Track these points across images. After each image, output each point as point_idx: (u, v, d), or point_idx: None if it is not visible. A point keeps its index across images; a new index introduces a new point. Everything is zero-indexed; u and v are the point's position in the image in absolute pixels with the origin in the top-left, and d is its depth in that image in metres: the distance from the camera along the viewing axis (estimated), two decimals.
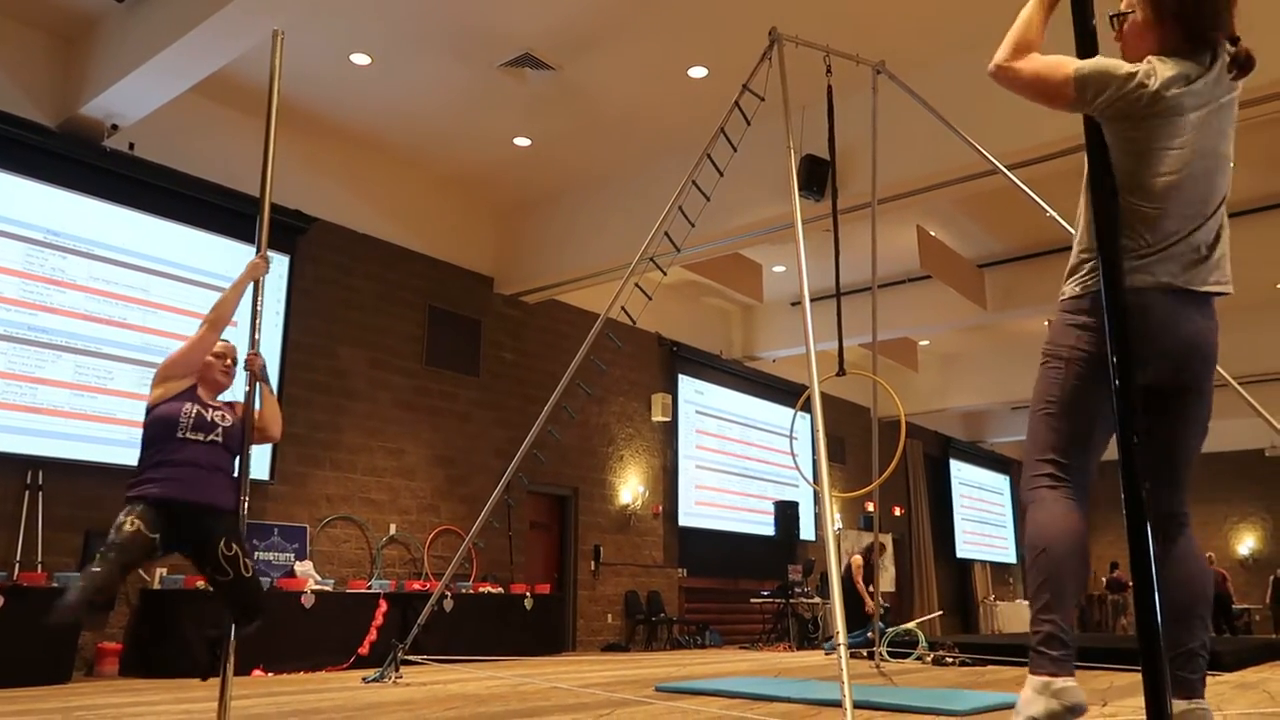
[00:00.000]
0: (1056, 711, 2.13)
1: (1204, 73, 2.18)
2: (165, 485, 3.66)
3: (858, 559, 10.54)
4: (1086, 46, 2.22)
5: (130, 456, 7.15)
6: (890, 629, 8.34)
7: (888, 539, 15.99)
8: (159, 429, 3.76)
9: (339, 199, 9.12)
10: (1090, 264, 2.25)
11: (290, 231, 8.45)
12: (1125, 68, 2.14)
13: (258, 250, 3.94)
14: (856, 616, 9.64)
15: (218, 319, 3.94)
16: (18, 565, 6.50)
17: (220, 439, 3.77)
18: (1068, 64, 2.16)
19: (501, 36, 7.30)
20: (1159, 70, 2.14)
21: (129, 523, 3.48)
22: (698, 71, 7.81)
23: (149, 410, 3.82)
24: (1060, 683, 2.15)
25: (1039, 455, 2.34)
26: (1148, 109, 2.12)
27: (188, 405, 3.80)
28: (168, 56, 6.32)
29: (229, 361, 3.96)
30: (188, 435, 3.74)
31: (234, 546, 3.64)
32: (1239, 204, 10.11)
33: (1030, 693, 2.20)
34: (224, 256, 8.07)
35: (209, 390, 3.93)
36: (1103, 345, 2.11)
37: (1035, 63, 2.21)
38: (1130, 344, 2.08)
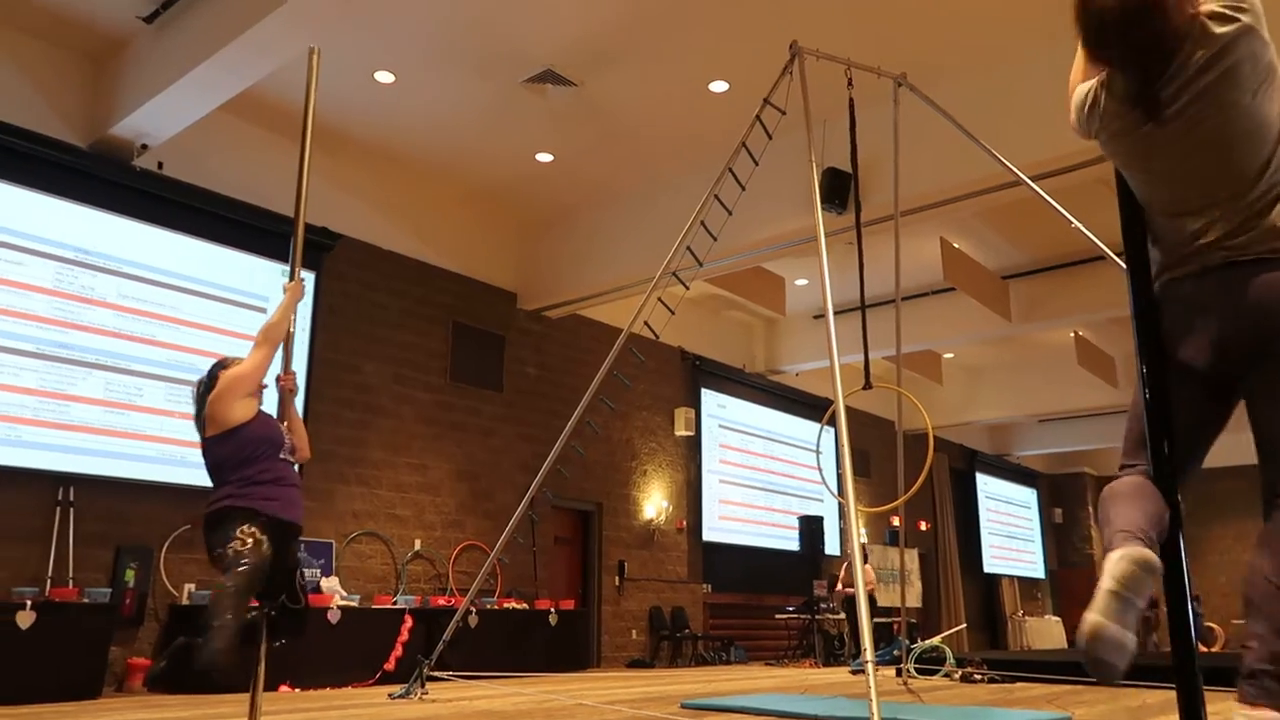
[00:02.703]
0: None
1: None
2: (282, 505, 3.70)
3: (868, 569, 10.59)
4: None
5: (160, 473, 7.27)
6: (917, 645, 8.25)
7: (913, 554, 15.85)
8: (263, 447, 3.76)
9: (364, 216, 9.20)
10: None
11: (316, 249, 8.53)
12: (1077, 97, 2.26)
13: (292, 273, 4.00)
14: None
15: (276, 339, 3.95)
16: (49, 581, 6.57)
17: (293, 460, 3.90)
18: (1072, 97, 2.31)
19: (523, 53, 7.35)
20: None
21: (251, 537, 3.43)
22: (719, 86, 7.83)
23: (239, 427, 3.75)
24: None
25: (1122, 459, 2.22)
26: None
27: (281, 425, 3.87)
28: (197, 76, 6.41)
29: (264, 386, 4.01)
30: (287, 457, 3.82)
31: (304, 575, 3.70)
32: None
33: None
34: (251, 273, 8.16)
35: None
36: None
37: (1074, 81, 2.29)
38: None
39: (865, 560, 10.72)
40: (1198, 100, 1.97)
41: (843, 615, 11.45)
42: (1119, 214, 2.23)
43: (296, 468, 3.90)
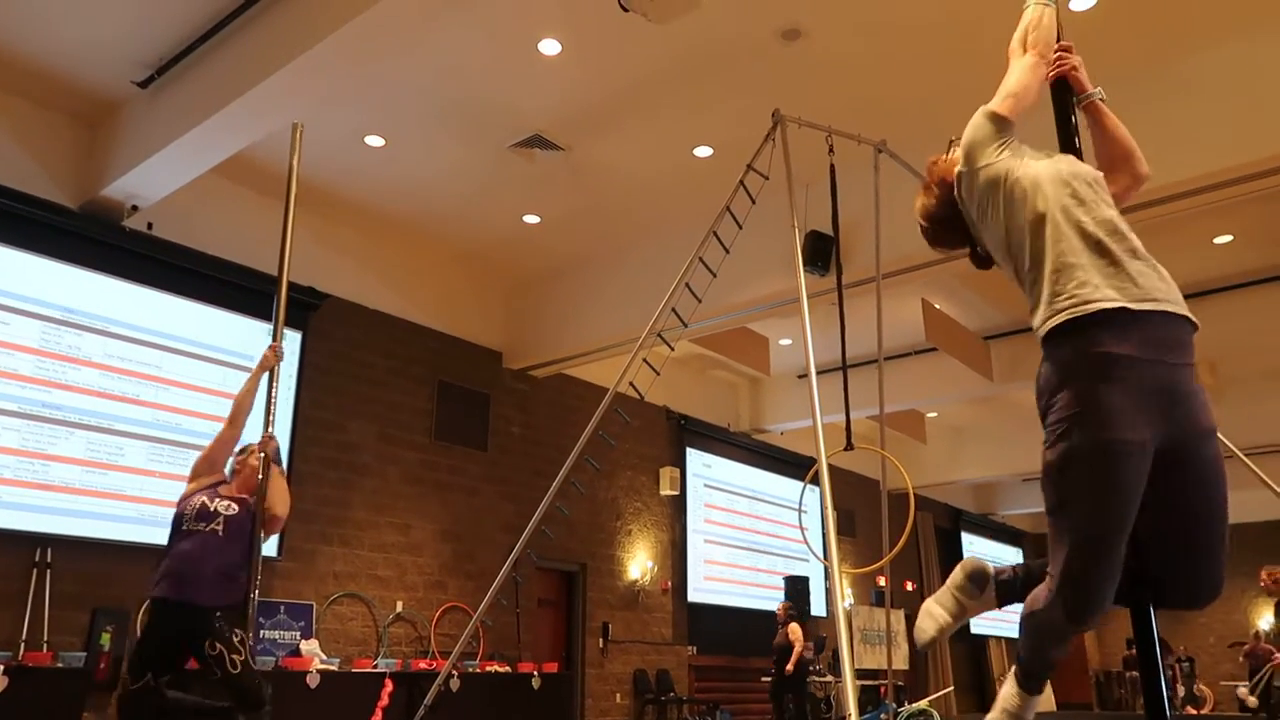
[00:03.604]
0: None
1: None
2: (160, 584, 3.75)
3: (795, 628, 10.48)
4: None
5: (139, 533, 7.20)
6: (904, 709, 8.16)
7: (900, 614, 15.74)
8: (172, 524, 3.87)
9: (351, 276, 9.26)
10: None
11: (303, 308, 8.56)
12: None
13: (274, 337, 4.03)
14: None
15: (235, 414, 4.03)
16: (23, 645, 6.44)
17: (220, 528, 3.78)
18: None
19: (512, 118, 7.49)
20: None
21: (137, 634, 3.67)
22: (703, 151, 7.99)
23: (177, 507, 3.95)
24: None
25: None
26: None
27: (196, 496, 3.86)
28: (189, 140, 6.49)
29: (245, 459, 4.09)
30: (189, 526, 3.79)
31: (217, 646, 3.64)
32: (1242, 275, 10.17)
33: None
34: (237, 333, 8.17)
35: (242, 488, 3.98)
36: None
37: None
38: None
39: (794, 619, 10.63)
40: (978, 243, 2.40)
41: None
42: None
43: (275, 537, 3.94)
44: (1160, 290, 2.02)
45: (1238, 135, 6.39)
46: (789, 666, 10.30)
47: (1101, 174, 2.23)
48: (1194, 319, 2.02)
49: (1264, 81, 6.35)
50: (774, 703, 10.60)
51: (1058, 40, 2.43)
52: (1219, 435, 2.05)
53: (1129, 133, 2.37)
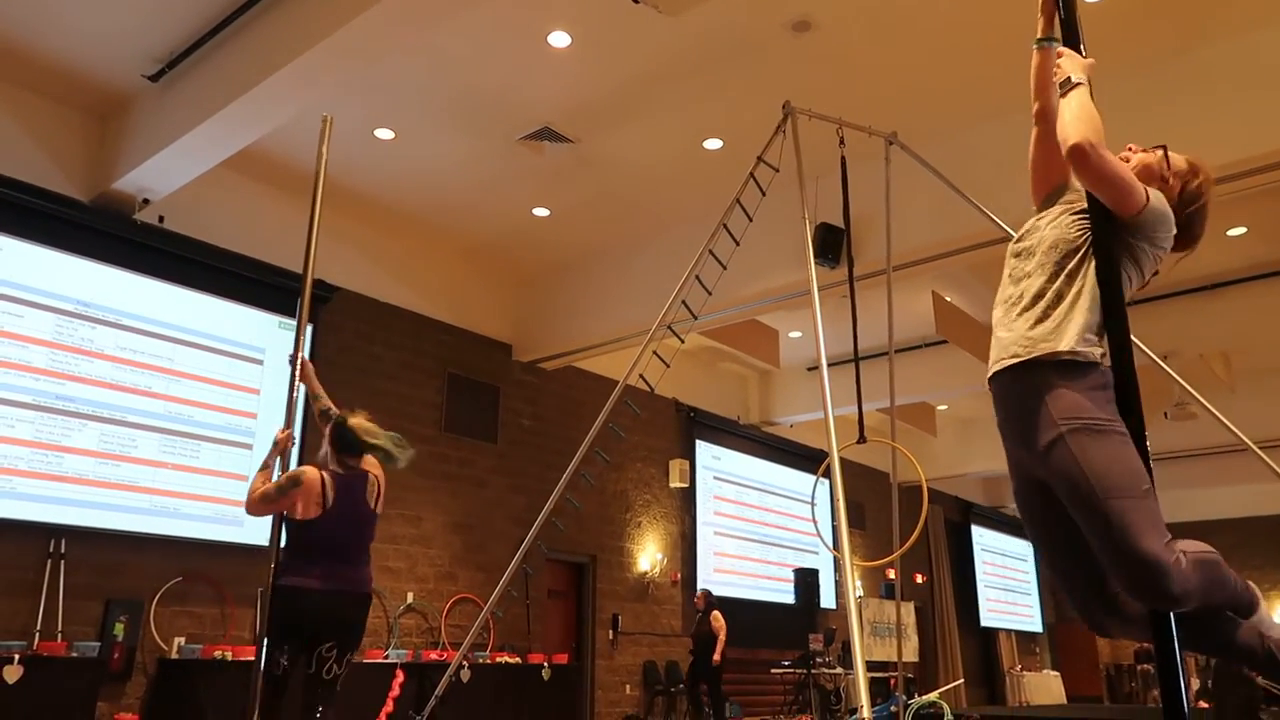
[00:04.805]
0: None
1: None
2: None
3: (719, 616, 10.49)
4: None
5: (151, 524, 7.25)
6: (915, 700, 8.17)
7: (909, 607, 15.74)
8: None
9: (361, 269, 9.28)
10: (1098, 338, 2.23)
11: (314, 301, 8.55)
12: (1170, 213, 2.27)
13: (296, 339, 4.22)
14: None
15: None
16: (37, 634, 6.50)
17: None
18: (1138, 182, 2.21)
19: (521, 111, 7.49)
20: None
21: None
22: (713, 143, 7.97)
23: None
24: None
25: (1166, 538, 2.02)
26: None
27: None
28: (200, 133, 6.51)
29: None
30: None
31: None
32: (1256, 268, 10.10)
33: None
34: (248, 325, 8.21)
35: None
36: None
37: (1115, 159, 2.18)
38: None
39: (714, 606, 10.65)
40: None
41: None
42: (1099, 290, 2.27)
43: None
44: (997, 351, 2.28)
45: (1251, 126, 6.34)
46: (716, 656, 10.32)
47: (1020, 235, 2.47)
48: (1018, 358, 2.19)
49: (1278, 72, 6.30)
50: (690, 692, 10.61)
51: (1076, 45, 2.40)
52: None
53: (1069, 112, 2.22)
